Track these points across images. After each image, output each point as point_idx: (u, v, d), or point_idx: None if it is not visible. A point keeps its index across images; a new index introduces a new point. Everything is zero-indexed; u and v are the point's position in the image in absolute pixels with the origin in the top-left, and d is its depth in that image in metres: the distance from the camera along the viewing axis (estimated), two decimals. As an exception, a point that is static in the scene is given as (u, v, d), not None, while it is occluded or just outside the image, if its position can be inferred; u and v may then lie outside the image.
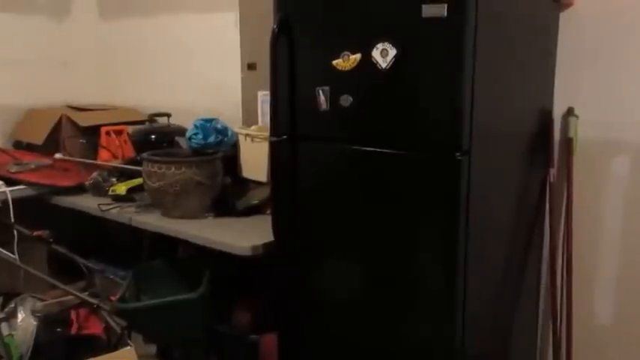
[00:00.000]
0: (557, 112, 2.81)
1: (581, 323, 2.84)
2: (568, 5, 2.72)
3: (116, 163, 3.79)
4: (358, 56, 2.29)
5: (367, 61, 2.27)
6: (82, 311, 3.20)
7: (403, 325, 2.39)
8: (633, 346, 2.79)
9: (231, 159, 3.36)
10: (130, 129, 3.92)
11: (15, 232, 3.39)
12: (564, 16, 2.74)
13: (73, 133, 4.09)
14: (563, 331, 2.81)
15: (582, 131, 2.73)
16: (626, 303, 2.79)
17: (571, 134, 2.74)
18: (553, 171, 2.75)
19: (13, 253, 3.33)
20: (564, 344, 2.80)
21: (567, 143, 2.75)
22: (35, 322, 2.94)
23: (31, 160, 3.87)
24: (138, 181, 3.39)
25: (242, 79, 3.80)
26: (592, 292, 2.85)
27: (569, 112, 2.76)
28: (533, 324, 3.00)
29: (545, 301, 2.97)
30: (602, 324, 2.85)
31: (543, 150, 2.76)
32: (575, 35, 2.73)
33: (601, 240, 2.80)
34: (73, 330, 3.11)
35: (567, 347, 2.79)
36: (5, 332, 2.95)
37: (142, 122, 4.07)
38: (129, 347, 2.82)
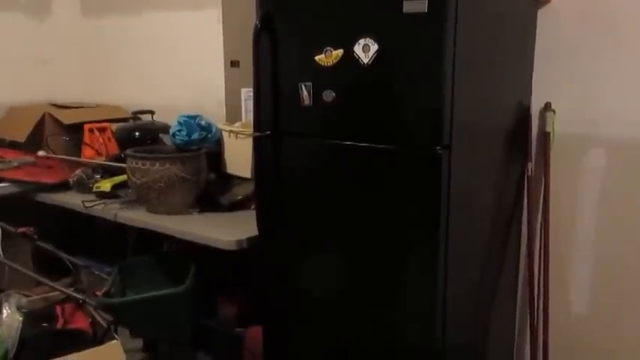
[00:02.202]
0: (535, 107, 2.84)
1: (558, 313, 2.88)
2: (546, 2, 2.75)
3: (100, 160, 3.81)
4: (340, 52, 2.31)
5: (349, 57, 2.28)
6: (68, 306, 3.20)
7: (385, 317, 2.42)
8: (608, 336, 2.83)
9: (215, 155, 3.37)
10: (114, 126, 3.93)
11: (-1, 229, 3.40)
12: (542, 13, 2.77)
13: (56, 131, 4.09)
14: (540, 321, 2.84)
15: (559, 126, 2.77)
16: (601, 293, 2.83)
17: (548, 129, 2.77)
18: (531, 165, 2.78)
19: (-3, 250, 3.35)
20: (541, 334, 2.83)
21: (545, 138, 2.78)
22: (20, 318, 2.94)
23: (14, 157, 3.87)
24: (122, 177, 3.40)
25: (225, 76, 3.81)
26: (568, 282, 2.89)
27: (547, 107, 2.79)
28: (511, 314, 3.03)
29: (522, 292, 3.01)
30: (577, 314, 2.89)
31: (521, 144, 2.79)
32: (553, 32, 2.76)
33: (577, 231, 2.84)
34: (59, 325, 3.12)
35: (544, 337, 2.82)
36: (-10, 328, 2.97)
37: (125, 120, 4.09)
38: (115, 341, 2.83)
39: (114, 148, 3.92)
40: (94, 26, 4.69)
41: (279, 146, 2.59)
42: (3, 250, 3.32)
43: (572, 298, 2.90)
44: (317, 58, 2.37)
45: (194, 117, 3.33)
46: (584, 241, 2.84)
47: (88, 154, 4.00)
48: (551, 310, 2.83)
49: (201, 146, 3.29)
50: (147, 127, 3.86)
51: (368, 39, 2.23)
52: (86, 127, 4.06)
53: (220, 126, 3.42)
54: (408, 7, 2.13)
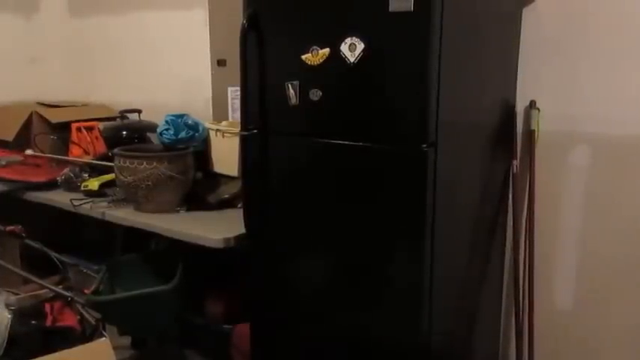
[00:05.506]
0: (520, 105, 2.86)
1: (543, 309, 2.90)
2: (531, 0, 2.77)
3: (87, 159, 3.81)
4: (327, 51, 2.32)
5: (336, 56, 2.29)
6: (57, 304, 3.19)
7: (373, 313, 2.43)
8: (592, 332, 2.85)
9: (202, 154, 3.38)
10: (102, 125, 3.93)
11: (-13, 228, 3.39)
12: (527, 11, 2.79)
13: (43, 130, 4.10)
14: (525, 317, 2.86)
15: (544, 123, 2.79)
16: (585, 289, 2.85)
17: (533, 127, 2.79)
18: (516, 162, 2.80)
19: (-15, 248, 3.35)
20: (526, 330, 2.85)
21: (529, 135, 2.81)
22: (9, 315, 2.94)
23: (2, 156, 3.87)
24: (110, 176, 3.41)
25: (212, 75, 3.83)
26: (553, 279, 2.91)
27: (532, 105, 2.81)
28: (496, 310, 3.05)
29: (508, 289, 3.02)
30: (562, 310, 2.91)
31: (506, 142, 2.80)
32: (538, 30, 2.78)
33: (562, 228, 2.86)
34: (48, 322, 3.11)
35: (529, 333, 2.85)
36: (-21, 326, 2.97)
37: (112, 118, 4.10)
38: (104, 339, 2.84)
39: (101, 147, 3.92)
40: (81, 25, 4.69)
41: (266, 145, 2.59)
42: (-9, 249, 3.33)
43: (557, 293, 2.92)
44: (304, 57, 2.38)
45: (181, 116, 3.34)
46: (568, 237, 2.85)
47: (75, 153, 4.01)
48: (536, 306, 2.85)
49: (189, 145, 3.29)
50: (134, 126, 3.87)
51: (354, 38, 2.24)
52: (74, 125, 4.06)
53: (207, 125, 3.43)
54: (393, 6, 2.14)
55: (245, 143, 2.67)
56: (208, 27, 3.82)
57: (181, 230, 2.92)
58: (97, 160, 3.72)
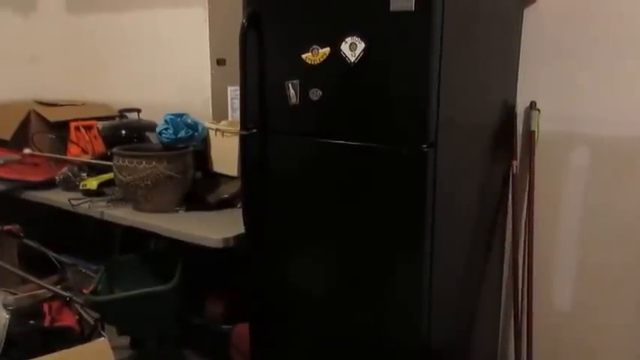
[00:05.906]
0: (520, 106, 2.86)
1: (541, 310, 2.90)
2: (532, 1, 2.77)
3: (86, 158, 3.80)
4: (327, 50, 2.31)
5: (336, 55, 2.29)
6: (55, 304, 3.19)
7: (373, 313, 2.42)
8: (591, 333, 2.86)
9: (201, 153, 3.38)
10: (100, 124, 3.93)
11: (-15, 228, 3.39)
12: (528, 12, 2.79)
13: (41, 129, 4.09)
14: (524, 318, 2.86)
15: (544, 124, 2.79)
16: (584, 291, 2.85)
17: (533, 127, 2.79)
18: (516, 163, 2.80)
19: (-18, 248, 3.35)
20: (525, 330, 2.85)
21: (530, 136, 2.81)
22: (7, 316, 2.93)
23: (0, 155, 3.86)
24: (108, 176, 3.40)
25: (212, 74, 3.82)
26: (552, 280, 2.91)
27: (532, 105, 2.81)
28: (495, 311, 3.05)
29: (507, 289, 3.03)
30: (561, 311, 2.91)
31: (506, 142, 2.80)
32: (538, 31, 2.78)
33: (561, 229, 2.86)
34: (47, 322, 3.11)
35: (528, 333, 2.85)
36: (-23, 326, 2.96)
37: (111, 118, 4.09)
38: (103, 339, 2.83)
39: (100, 146, 3.91)
40: (80, 23, 4.68)
41: (266, 144, 2.59)
42: (-12, 249, 3.33)
43: (556, 294, 2.92)
44: (304, 56, 2.38)
45: (180, 115, 3.34)
46: (568, 239, 2.85)
47: (74, 152, 4.00)
48: (535, 307, 2.85)
49: (188, 144, 3.29)
50: (133, 125, 3.87)
51: (355, 37, 2.24)
52: (72, 124, 4.05)
53: (207, 124, 3.42)
54: (394, 5, 2.13)
55: (244, 143, 2.66)
56: (208, 26, 3.81)
57: (180, 230, 2.92)
58: (96, 159, 3.71)
